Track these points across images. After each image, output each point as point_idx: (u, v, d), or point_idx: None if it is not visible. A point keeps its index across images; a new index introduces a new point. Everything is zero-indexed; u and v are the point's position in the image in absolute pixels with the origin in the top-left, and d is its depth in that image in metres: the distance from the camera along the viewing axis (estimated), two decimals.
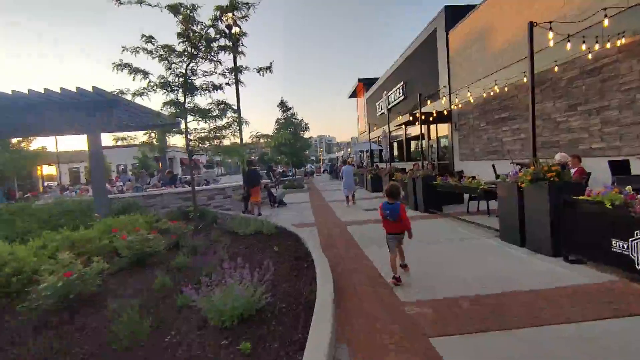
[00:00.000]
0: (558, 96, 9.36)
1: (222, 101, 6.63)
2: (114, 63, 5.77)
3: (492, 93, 11.65)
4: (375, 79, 30.60)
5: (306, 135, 21.19)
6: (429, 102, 16.49)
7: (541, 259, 4.46)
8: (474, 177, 7.94)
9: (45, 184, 29.03)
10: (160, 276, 3.59)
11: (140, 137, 7.08)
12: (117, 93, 6.20)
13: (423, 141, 18.40)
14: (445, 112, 15.06)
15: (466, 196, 9.77)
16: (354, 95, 40.10)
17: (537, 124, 10.63)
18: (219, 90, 6.65)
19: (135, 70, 5.94)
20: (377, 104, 28.91)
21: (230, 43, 6.80)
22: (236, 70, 7.60)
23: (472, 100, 12.36)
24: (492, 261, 4.56)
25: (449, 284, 3.84)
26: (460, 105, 14.57)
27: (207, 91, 6.60)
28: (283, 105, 19.44)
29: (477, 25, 13.29)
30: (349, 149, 37.81)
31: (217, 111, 6.54)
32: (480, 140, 13.63)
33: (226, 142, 7.03)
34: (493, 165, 10.23)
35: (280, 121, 19.44)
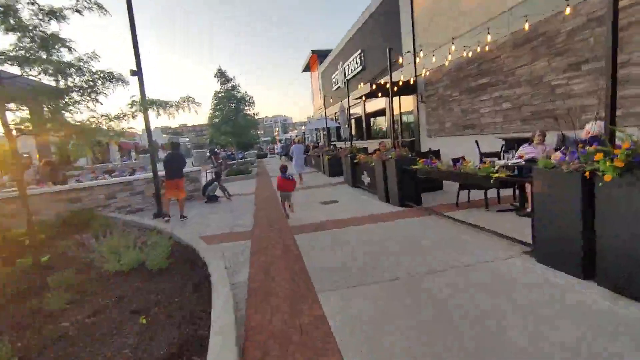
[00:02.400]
0: (555, 53, 7.55)
1: (51, 35, 3.70)
2: None
3: (470, 54, 9.68)
4: (330, 51, 27.90)
5: (253, 111, 18.18)
6: (400, 59, 14.34)
7: None
8: (463, 158, 5.90)
9: None
10: None
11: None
12: None
13: (389, 114, 16.41)
14: (411, 81, 12.99)
15: (447, 182, 7.86)
16: (307, 69, 37.12)
17: (525, 91, 8.91)
18: (58, 21, 3.74)
19: None
20: (332, 77, 26.38)
21: None
22: None
23: (447, 64, 10.35)
24: (568, 329, 2.42)
25: None
26: (427, 73, 12.58)
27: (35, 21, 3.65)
28: (222, 76, 16.13)
29: None
30: (303, 127, 35.17)
31: (43, 54, 3.61)
32: (451, 113, 11.79)
33: (91, 114, 4.16)
34: (476, 141, 8.38)
35: (219, 94, 16.18)
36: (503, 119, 9.33)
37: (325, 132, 30.72)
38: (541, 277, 3.13)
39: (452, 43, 9.21)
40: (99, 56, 4.38)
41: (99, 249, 4.07)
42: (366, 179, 8.57)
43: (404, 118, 16.13)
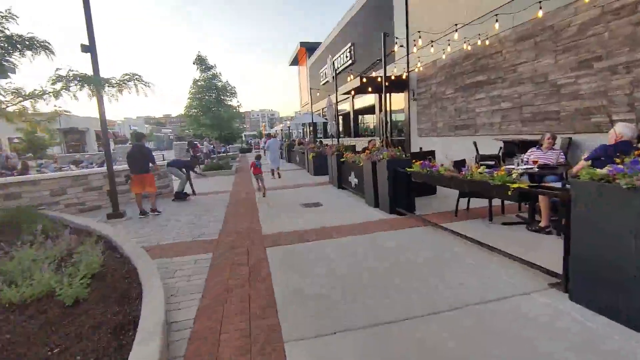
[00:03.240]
0: (562, 49, 6.90)
1: None
2: None
3: (469, 47, 8.99)
4: (320, 44, 26.96)
5: (236, 102, 17.08)
6: (395, 47, 13.55)
7: None
8: (464, 163, 5.17)
9: None
10: None
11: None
12: None
13: (378, 111, 15.65)
14: (404, 76, 12.23)
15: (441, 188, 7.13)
16: (295, 62, 36.03)
17: (527, 90, 8.25)
18: None
19: None
20: (320, 71, 25.47)
21: None
22: None
23: (444, 57, 9.63)
24: None
25: None
26: (420, 69, 11.86)
27: None
28: (202, 63, 14.95)
29: None
30: (288, 122, 34.14)
31: None
32: (444, 112, 11.12)
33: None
34: (474, 143, 7.71)
35: (199, 83, 15.01)
36: (501, 120, 8.69)
37: (311, 128, 29.84)
38: (580, 324, 2.38)
39: (455, 31, 8.47)
40: (16, 17, 3.37)
41: (3, 268, 3.09)
42: (354, 180, 7.76)
43: (394, 116, 15.41)
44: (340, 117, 23.14)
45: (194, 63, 14.74)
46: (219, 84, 15.35)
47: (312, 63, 29.18)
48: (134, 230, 5.62)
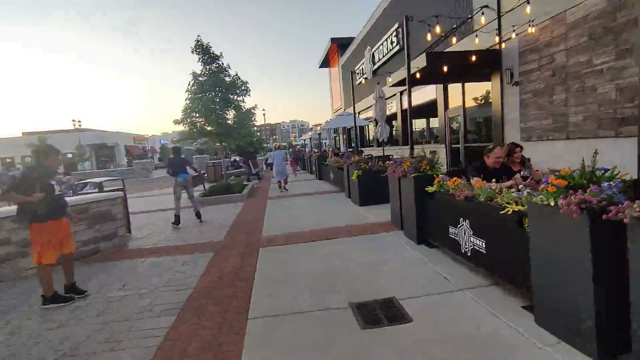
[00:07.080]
0: None
1: None
2: None
3: None
4: (352, 39, 22.92)
5: (249, 103, 13.25)
6: (454, 40, 9.15)
7: None
8: None
9: None
10: None
11: None
12: None
13: (443, 105, 10.87)
14: (501, 47, 7.66)
15: None
16: (325, 64, 32.20)
17: None
18: None
19: None
20: (357, 68, 21.26)
21: None
22: None
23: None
24: None
25: None
26: (532, 30, 7.26)
27: None
28: (204, 52, 11.23)
29: None
30: (318, 128, 30.08)
31: None
32: (588, 96, 6.42)
33: None
34: None
35: (200, 78, 11.28)
36: None
37: (345, 135, 25.58)
38: None
39: None
40: None
41: None
42: (468, 237, 3.31)
43: (471, 114, 10.76)
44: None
45: (192, 52, 11.03)
46: (227, 79, 11.52)
47: (344, 61, 25.12)
48: None
